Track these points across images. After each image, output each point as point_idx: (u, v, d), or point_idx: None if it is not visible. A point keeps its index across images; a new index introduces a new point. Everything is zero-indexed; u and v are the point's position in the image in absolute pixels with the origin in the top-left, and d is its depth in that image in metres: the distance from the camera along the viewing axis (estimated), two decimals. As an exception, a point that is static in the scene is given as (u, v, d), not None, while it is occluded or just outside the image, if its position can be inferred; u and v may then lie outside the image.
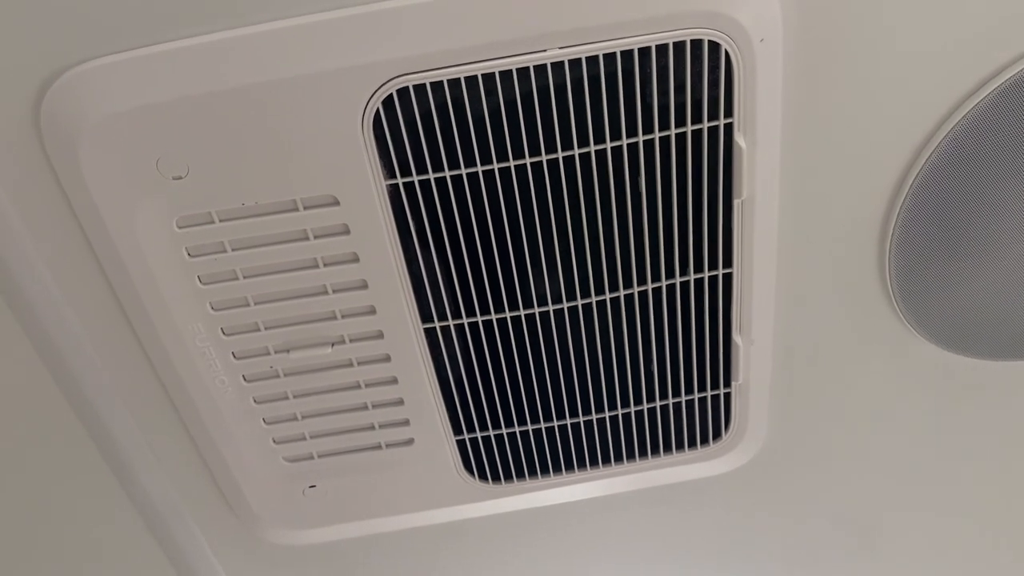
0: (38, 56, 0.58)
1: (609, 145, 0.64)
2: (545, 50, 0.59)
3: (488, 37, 0.58)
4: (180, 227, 0.65)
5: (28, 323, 0.71)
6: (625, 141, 0.64)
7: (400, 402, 0.79)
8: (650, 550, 0.97)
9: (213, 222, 0.65)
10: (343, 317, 0.72)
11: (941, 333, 0.79)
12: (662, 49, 0.59)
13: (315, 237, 0.67)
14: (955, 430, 0.86)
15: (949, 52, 0.64)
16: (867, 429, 0.86)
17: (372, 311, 0.72)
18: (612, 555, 0.98)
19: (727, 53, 0.60)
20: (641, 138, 0.64)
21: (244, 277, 0.69)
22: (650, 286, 0.73)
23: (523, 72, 0.60)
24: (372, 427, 0.81)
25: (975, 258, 0.74)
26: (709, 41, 0.59)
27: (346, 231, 0.67)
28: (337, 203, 0.65)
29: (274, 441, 0.81)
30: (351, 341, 0.74)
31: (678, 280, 0.73)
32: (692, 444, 0.86)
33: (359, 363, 0.76)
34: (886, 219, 0.72)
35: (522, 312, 0.73)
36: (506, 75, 0.60)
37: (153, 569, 0.92)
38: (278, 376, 0.76)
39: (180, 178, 0.63)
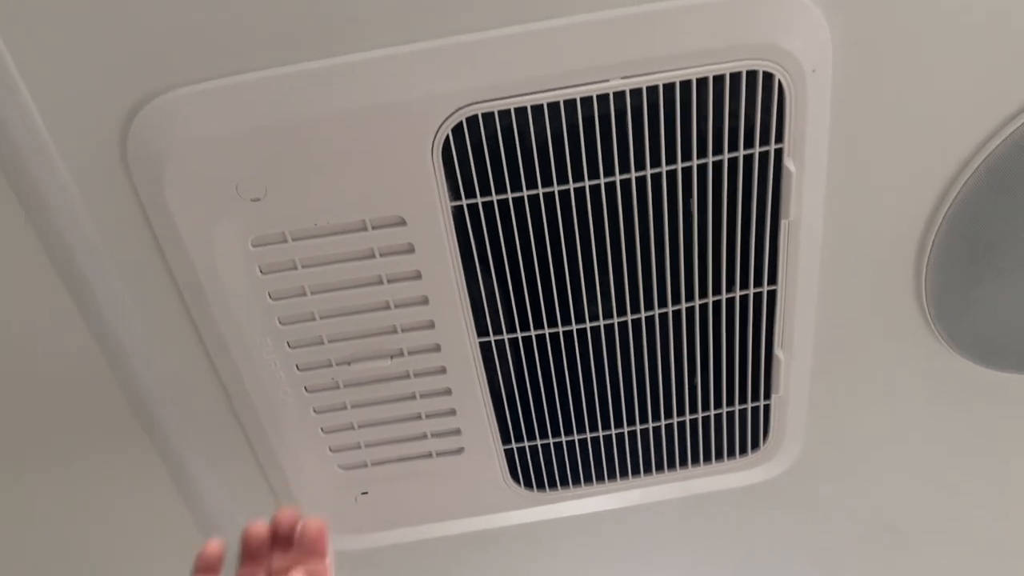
0: (128, 83, 0.61)
1: (664, 169, 0.67)
2: (608, 80, 0.62)
3: (551, 68, 0.61)
4: (255, 246, 0.69)
5: (99, 330, 0.74)
6: (680, 165, 0.67)
7: (453, 412, 0.82)
8: (687, 557, 1.00)
9: (286, 241, 0.69)
10: (403, 331, 0.75)
11: (974, 348, 0.82)
12: (719, 79, 0.63)
13: (381, 255, 0.70)
14: (986, 441, 0.89)
15: (986, 81, 0.67)
16: (900, 440, 0.89)
17: (431, 325, 0.75)
18: (651, 561, 1.01)
19: (780, 83, 0.63)
20: (695, 162, 0.67)
21: (312, 293, 0.72)
22: (697, 302, 0.76)
23: (585, 100, 0.63)
24: (425, 436, 0.84)
25: (1008, 278, 0.77)
26: (764, 72, 0.62)
27: (411, 250, 0.70)
28: (404, 223, 0.68)
29: (330, 449, 0.84)
30: (409, 354, 0.77)
31: (724, 296, 0.76)
32: (731, 454, 0.89)
33: (415, 375, 0.79)
34: (923, 240, 0.75)
35: (574, 327, 0.76)
36: (569, 103, 0.63)
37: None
38: (338, 387, 0.79)
39: (258, 200, 0.66)
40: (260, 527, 0.61)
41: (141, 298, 0.72)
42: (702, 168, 0.67)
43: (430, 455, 0.86)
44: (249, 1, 0.58)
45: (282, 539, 0.61)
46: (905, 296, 0.79)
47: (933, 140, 0.69)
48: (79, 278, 0.70)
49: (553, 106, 0.63)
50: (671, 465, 0.89)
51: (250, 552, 0.60)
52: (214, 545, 0.59)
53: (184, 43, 0.60)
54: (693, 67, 0.62)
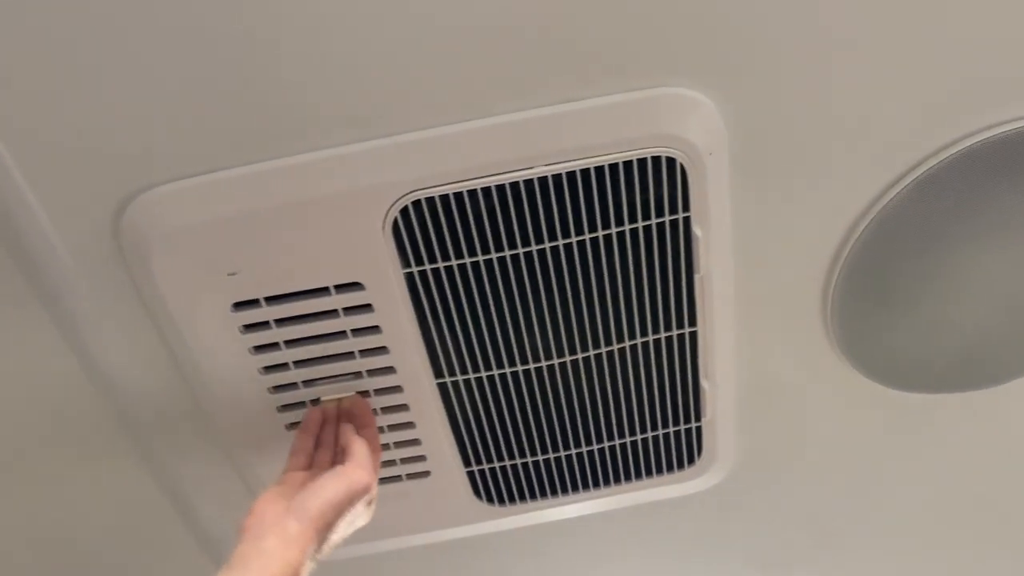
0: (117, 183, 0.71)
1: (588, 236, 0.77)
2: (532, 167, 0.72)
3: (483, 159, 0.71)
4: (234, 310, 0.79)
5: (99, 384, 0.85)
6: (601, 232, 0.77)
7: (418, 442, 0.92)
8: (638, 559, 1.11)
9: (261, 305, 0.79)
10: (368, 375, 0.86)
11: (876, 371, 0.92)
12: (628, 164, 0.72)
13: (344, 314, 0.80)
14: (889, 450, 1.00)
15: (876, 150, 0.76)
16: (818, 451, 1.00)
17: (393, 370, 0.85)
18: (608, 563, 1.12)
19: (682, 165, 0.73)
20: (614, 230, 0.77)
21: (287, 347, 0.82)
22: (627, 343, 0.86)
23: (514, 184, 0.73)
24: (394, 462, 0.95)
25: (901, 312, 0.87)
26: (667, 157, 0.72)
27: (371, 308, 0.80)
28: (363, 287, 0.78)
29: (311, 476, 0.95)
30: (375, 394, 0.87)
31: (651, 338, 0.86)
32: (670, 468, 1.00)
33: (382, 411, 0.89)
34: (827, 282, 0.85)
35: (519, 367, 0.87)
36: (500, 187, 0.73)
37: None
38: (314, 424, 0.89)
39: (234, 274, 0.76)
40: (317, 411, 0.84)
41: (135, 359, 0.82)
42: (620, 235, 0.77)
43: (400, 478, 0.96)
44: (217, 110, 0.68)
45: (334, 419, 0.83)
46: (814, 329, 0.89)
47: (827, 200, 0.79)
48: (80, 341, 0.80)
49: (486, 190, 0.73)
50: (616, 479, 1.00)
51: (307, 427, 0.82)
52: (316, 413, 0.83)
53: (164, 148, 0.69)
54: (606, 155, 0.71)
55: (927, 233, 0.82)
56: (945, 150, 0.76)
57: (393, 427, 0.91)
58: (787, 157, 0.75)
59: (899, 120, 0.74)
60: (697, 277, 0.81)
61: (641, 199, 0.75)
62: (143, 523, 0.97)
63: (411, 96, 0.68)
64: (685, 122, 0.71)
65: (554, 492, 1.00)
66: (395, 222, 0.74)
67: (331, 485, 0.72)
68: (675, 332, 0.86)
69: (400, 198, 0.72)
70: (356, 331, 0.82)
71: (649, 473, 1.00)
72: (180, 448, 0.90)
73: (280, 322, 0.81)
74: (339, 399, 0.85)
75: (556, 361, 0.86)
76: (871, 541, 1.13)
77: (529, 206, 0.74)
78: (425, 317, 0.81)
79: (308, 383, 0.86)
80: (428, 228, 0.75)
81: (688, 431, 0.96)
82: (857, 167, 0.77)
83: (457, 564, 1.08)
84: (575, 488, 1.00)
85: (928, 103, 0.73)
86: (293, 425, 0.89)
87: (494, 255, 0.77)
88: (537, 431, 0.93)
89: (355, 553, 1.04)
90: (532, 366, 0.87)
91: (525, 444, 0.94)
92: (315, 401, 0.87)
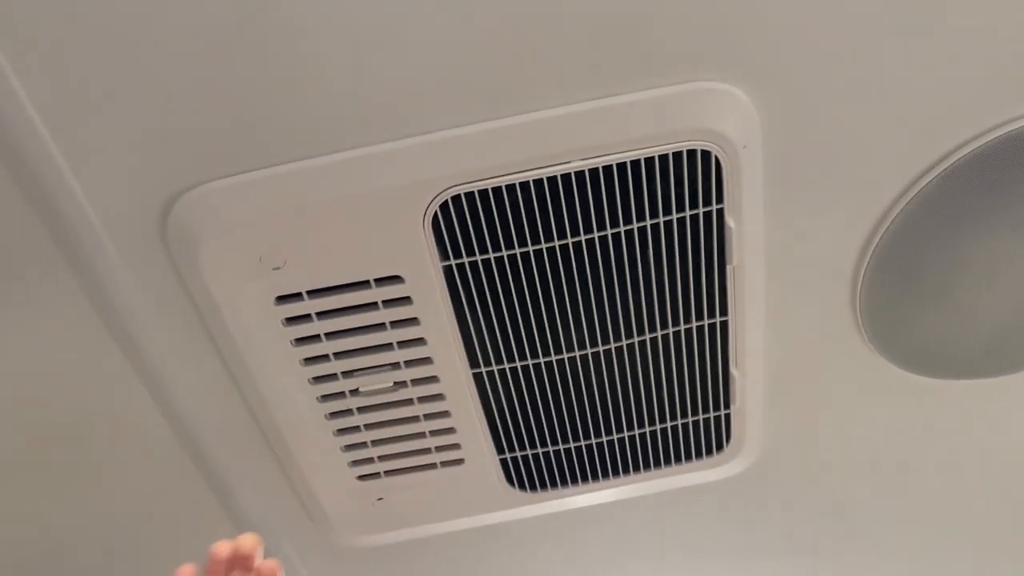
0: (167, 177, 0.73)
1: (622, 228, 0.78)
2: (569, 162, 0.73)
3: (520, 155, 0.73)
4: (277, 303, 0.81)
5: (148, 381, 0.87)
6: (635, 224, 0.78)
7: (452, 430, 0.94)
8: (669, 543, 1.13)
9: (303, 299, 0.81)
10: (406, 366, 0.88)
11: (905, 359, 0.94)
12: (664, 157, 0.74)
13: (384, 306, 0.82)
14: (918, 438, 1.01)
15: (905, 141, 0.77)
16: (846, 439, 1.01)
17: (430, 361, 0.87)
18: (637, 549, 1.14)
19: (716, 158, 0.74)
20: (648, 222, 0.78)
21: (327, 339, 0.84)
22: (660, 332, 0.88)
23: (552, 179, 0.74)
24: (429, 451, 0.97)
25: (930, 300, 0.88)
26: (702, 151, 0.73)
27: (409, 301, 0.82)
28: (403, 280, 0.80)
29: (349, 464, 0.97)
30: (412, 384, 0.89)
31: (682, 327, 0.88)
32: (699, 455, 1.01)
33: (419, 400, 0.91)
34: (856, 272, 0.87)
35: (553, 358, 0.88)
36: (538, 181, 0.74)
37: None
38: (353, 414, 0.92)
39: (278, 268, 0.78)
40: (224, 546, 0.67)
41: (181, 352, 0.85)
42: (655, 227, 0.79)
43: (435, 466, 0.99)
44: (264, 109, 0.70)
45: (241, 561, 0.67)
46: (843, 318, 0.91)
47: (857, 192, 0.80)
48: (127, 337, 0.82)
49: (523, 184, 0.74)
50: (647, 466, 1.02)
51: (212, 567, 0.67)
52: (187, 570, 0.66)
53: (211, 146, 0.71)
54: (641, 149, 0.73)
55: (956, 223, 0.83)
56: (975, 140, 0.77)
57: (429, 416, 0.93)
58: (819, 149, 0.77)
59: (930, 111, 0.75)
60: (729, 268, 0.83)
61: (676, 191, 0.76)
62: (183, 508, 1.00)
63: (452, 93, 0.70)
64: (720, 116, 0.72)
65: (585, 479, 1.02)
66: (435, 216, 0.75)
67: None
68: (706, 321, 0.88)
69: (440, 193, 0.74)
70: (395, 323, 0.84)
71: (679, 460, 1.01)
72: (222, 439, 0.92)
73: (321, 315, 0.83)
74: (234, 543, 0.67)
75: (589, 351, 0.88)
76: (898, 529, 1.14)
77: (566, 200, 0.76)
78: (462, 309, 0.83)
79: (347, 374, 0.88)
80: (467, 222, 0.77)
81: (717, 419, 0.97)
82: (888, 158, 0.78)
83: (489, 550, 1.11)
84: (606, 475, 1.02)
85: (959, 94, 0.74)
86: (334, 415, 0.91)
87: (531, 248, 0.79)
88: (569, 419, 0.95)
89: (390, 540, 1.07)
90: (566, 356, 0.88)
91: (558, 432, 0.96)
92: (354, 392, 0.89)
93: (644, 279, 0.83)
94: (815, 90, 0.73)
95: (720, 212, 0.78)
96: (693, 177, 0.76)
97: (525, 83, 0.70)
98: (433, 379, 0.89)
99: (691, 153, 0.74)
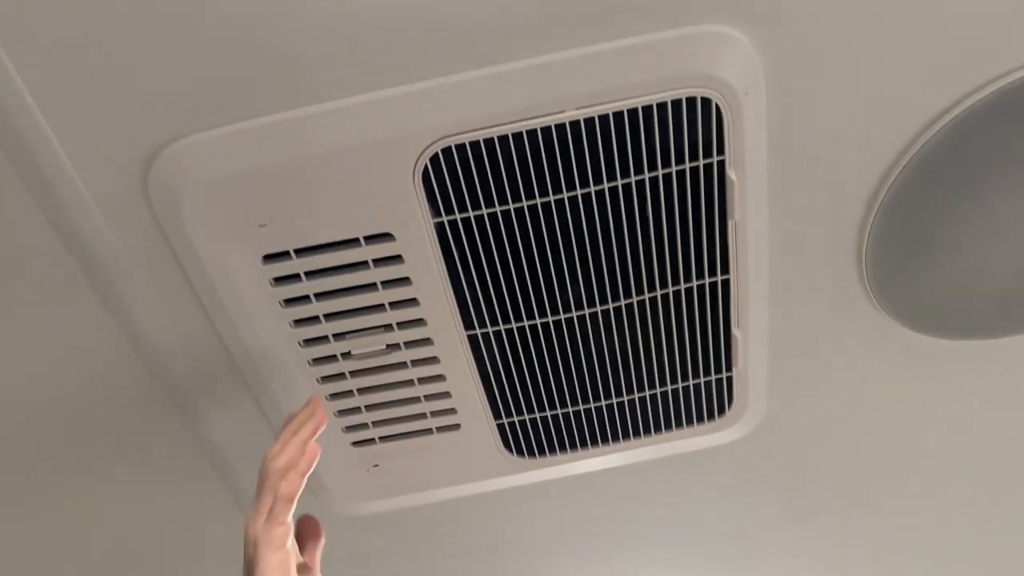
0: (144, 134, 0.71)
1: (620, 182, 0.76)
2: (564, 111, 0.71)
3: (512, 104, 0.70)
4: (265, 263, 0.79)
5: (136, 342, 0.85)
6: (633, 178, 0.76)
7: (448, 395, 0.92)
8: (670, 509, 1.12)
9: (291, 258, 0.78)
10: (399, 328, 0.85)
11: (912, 319, 0.91)
12: (662, 105, 0.71)
13: (375, 265, 0.80)
14: (925, 400, 0.99)
15: (905, 90, 0.74)
16: (852, 402, 0.99)
17: (423, 322, 0.85)
18: (637, 514, 1.12)
19: (717, 106, 0.71)
20: (647, 175, 0.76)
21: (317, 299, 0.82)
22: (659, 292, 0.85)
23: (545, 129, 0.72)
24: (425, 416, 0.95)
25: (938, 257, 0.85)
26: (702, 98, 0.70)
27: (401, 260, 0.79)
28: (393, 238, 0.78)
29: (343, 430, 0.95)
30: (406, 346, 0.87)
31: (683, 286, 0.85)
32: (700, 419, 0.99)
33: (413, 364, 0.89)
34: (862, 226, 0.84)
35: (550, 318, 0.86)
36: (531, 132, 0.72)
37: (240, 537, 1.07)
38: (345, 377, 0.89)
39: (264, 225, 0.75)
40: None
41: (169, 314, 0.82)
42: (654, 180, 0.76)
43: (431, 431, 0.97)
44: (243, 58, 0.67)
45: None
46: (849, 276, 0.88)
47: (863, 143, 0.77)
48: (115, 297, 0.80)
49: (517, 135, 0.72)
50: (647, 431, 1.00)
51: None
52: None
53: (190, 96, 0.69)
54: (638, 97, 0.70)
55: (962, 176, 0.80)
56: (979, 91, 0.74)
57: (424, 380, 0.91)
58: (823, 98, 0.74)
59: (934, 60, 0.72)
60: (731, 223, 0.80)
61: (675, 143, 0.74)
62: (176, 476, 0.98)
63: (440, 40, 0.67)
64: (720, 60, 0.69)
65: (584, 444, 1.00)
66: (425, 170, 0.73)
67: None
68: (707, 280, 0.85)
69: (429, 145, 0.71)
70: (386, 283, 0.81)
71: (679, 424, 0.99)
72: (214, 401, 0.91)
73: (310, 274, 0.80)
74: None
75: (587, 311, 0.86)
76: (903, 493, 1.12)
77: (560, 152, 0.73)
78: (455, 268, 0.81)
79: (338, 336, 0.86)
80: (458, 176, 0.74)
81: (719, 381, 0.95)
82: (892, 108, 0.75)
83: (488, 517, 1.09)
84: (605, 440, 1.00)
85: (963, 43, 0.71)
86: (326, 379, 0.89)
87: (525, 203, 0.76)
88: (568, 383, 0.93)
89: (387, 507, 1.05)
90: (563, 316, 0.86)
91: (556, 396, 0.94)
92: (346, 355, 0.87)
93: (643, 236, 0.80)
94: (820, 34, 0.70)
95: (721, 164, 0.76)
96: (693, 127, 0.73)
97: (517, 29, 0.67)
98: (427, 341, 0.87)
99: (690, 101, 0.71)
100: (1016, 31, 0.71)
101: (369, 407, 0.93)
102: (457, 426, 0.96)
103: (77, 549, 1.08)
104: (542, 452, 1.01)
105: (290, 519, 0.72)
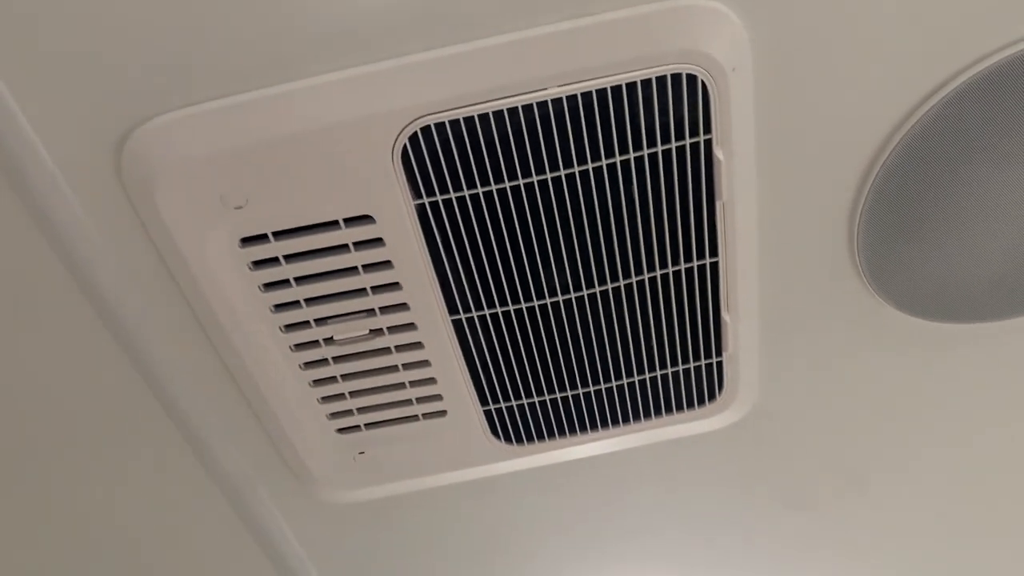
0: (115, 114, 0.69)
1: (604, 162, 0.74)
2: (546, 88, 0.69)
3: (493, 81, 0.68)
4: (242, 246, 0.77)
5: (113, 327, 0.84)
6: (618, 158, 0.74)
7: (433, 381, 0.91)
8: (660, 496, 1.10)
9: (269, 241, 0.77)
10: (381, 313, 0.84)
11: (905, 300, 0.89)
12: (647, 82, 0.69)
13: (355, 248, 0.78)
14: (918, 385, 0.97)
15: (897, 67, 0.72)
16: (845, 387, 0.97)
17: (406, 307, 0.83)
18: (626, 502, 1.11)
19: (703, 83, 0.69)
20: (632, 154, 0.74)
21: (297, 284, 0.80)
22: (647, 275, 0.84)
23: (527, 107, 0.70)
24: (410, 402, 0.93)
25: (931, 238, 0.84)
26: (687, 74, 0.69)
27: (381, 243, 0.78)
28: (373, 220, 0.76)
29: (327, 416, 0.94)
30: (389, 332, 0.86)
31: (671, 269, 0.84)
32: (690, 405, 0.98)
33: (397, 349, 0.88)
34: (853, 207, 0.82)
35: (535, 303, 0.84)
36: (513, 110, 0.70)
37: (226, 526, 1.06)
38: (328, 363, 0.88)
39: (240, 207, 0.74)
40: None
41: (146, 298, 0.81)
42: (639, 160, 0.74)
43: (417, 417, 0.95)
44: (217, 34, 0.65)
45: None
46: (841, 259, 0.86)
47: (854, 122, 0.75)
48: (90, 284, 0.79)
49: (498, 113, 0.70)
50: (636, 417, 0.98)
51: None
52: None
53: (163, 75, 0.67)
54: (621, 73, 0.68)
55: (954, 156, 0.78)
56: (970, 68, 0.73)
57: (408, 366, 0.89)
58: (813, 75, 0.72)
59: (925, 38, 0.70)
60: (719, 204, 0.78)
61: (660, 121, 0.72)
62: (156, 462, 0.97)
63: (419, 14, 0.65)
64: (706, 35, 0.67)
65: (572, 430, 0.99)
66: (404, 150, 0.71)
67: None
68: (696, 263, 0.83)
69: (408, 124, 0.70)
70: (367, 267, 0.80)
71: (669, 410, 0.98)
72: (194, 389, 0.89)
73: (289, 258, 0.79)
74: None
75: (573, 295, 0.84)
76: (897, 478, 1.11)
77: (543, 131, 0.71)
78: (438, 251, 0.79)
79: (320, 321, 0.84)
80: (439, 156, 0.72)
81: (709, 366, 0.93)
82: (884, 86, 0.73)
83: (475, 504, 1.08)
84: (594, 426, 0.99)
85: (954, 20, 0.69)
86: (308, 365, 0.88)
87: (507, 184, 0.74)
88: (555, 368, 0.91)
89: (374, 495, 1.04)
90: (548, 301, 0.84)
91: (543, 381, 0.92)
92: (328, 340, 0.85)
93: (628, 217, 0.78)
94: (808, 10, 0.68)
95: (708, 143, 0.74)
96: (679, 105, 0.71)
97: (498, 2, 0.65)
98: (410, 326, 0.85)
99: (676, 78, 0.69)
100: (1006, 7, 0.69)
101: (353, 393, 0.92)
102: (443, 412, 0.95)
103: (77, 549, 1.07)
104: (529, 439, 0.99)
105: None
